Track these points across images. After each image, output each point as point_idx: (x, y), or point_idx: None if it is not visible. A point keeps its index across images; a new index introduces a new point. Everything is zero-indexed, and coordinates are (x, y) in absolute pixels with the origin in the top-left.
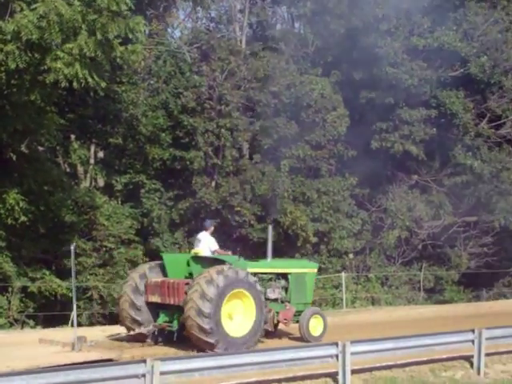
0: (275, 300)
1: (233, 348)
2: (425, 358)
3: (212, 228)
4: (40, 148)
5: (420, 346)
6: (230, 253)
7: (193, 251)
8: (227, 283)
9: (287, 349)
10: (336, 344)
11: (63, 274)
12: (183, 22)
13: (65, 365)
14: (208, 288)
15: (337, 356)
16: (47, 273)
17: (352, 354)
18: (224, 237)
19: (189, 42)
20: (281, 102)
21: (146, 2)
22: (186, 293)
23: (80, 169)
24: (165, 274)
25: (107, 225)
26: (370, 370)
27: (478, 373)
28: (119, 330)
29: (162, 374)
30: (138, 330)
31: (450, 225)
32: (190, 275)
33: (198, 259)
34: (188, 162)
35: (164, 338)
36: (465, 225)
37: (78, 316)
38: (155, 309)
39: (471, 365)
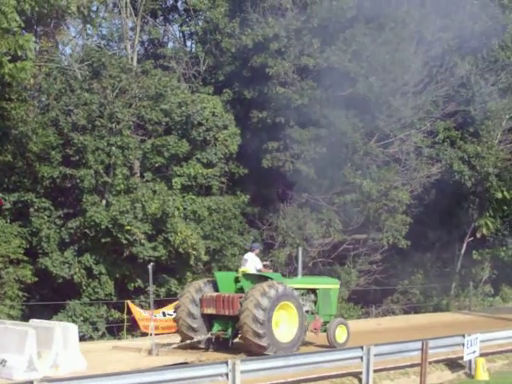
0: (306, 312)
1: (281, 351)
2: (314, 376)
3: (257, 250)
4: None
5: (309, 363)
6: (271, 271)
7: (240, 270)
8: (278, 296)
9: (177, 368)
10: (226, 362)
11: None
12: (74, 39)
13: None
14: (262, 299)
15: (227, 374)
16: None
17: (242, 372)
18: (114, 255)
19: (79, 59)
20: (172, 120)
21: (36, 18)
22: (240, 304)
23: None
24: (216, 289)
25: None
26: None
27: None
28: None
29: None
30: (198, 338)
31: (339, 242)
32: (239, 290)
33: (247, 276)
34: (78, 181)
35: (216, 344)
36: (354, 242)
37: None
38: (209, 320)
39: (360, 381)
